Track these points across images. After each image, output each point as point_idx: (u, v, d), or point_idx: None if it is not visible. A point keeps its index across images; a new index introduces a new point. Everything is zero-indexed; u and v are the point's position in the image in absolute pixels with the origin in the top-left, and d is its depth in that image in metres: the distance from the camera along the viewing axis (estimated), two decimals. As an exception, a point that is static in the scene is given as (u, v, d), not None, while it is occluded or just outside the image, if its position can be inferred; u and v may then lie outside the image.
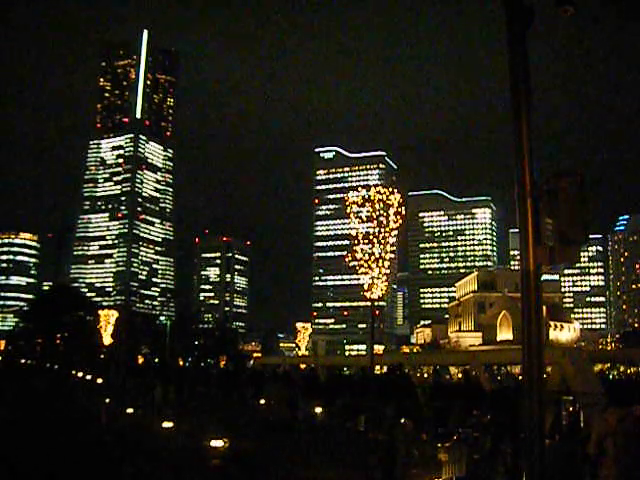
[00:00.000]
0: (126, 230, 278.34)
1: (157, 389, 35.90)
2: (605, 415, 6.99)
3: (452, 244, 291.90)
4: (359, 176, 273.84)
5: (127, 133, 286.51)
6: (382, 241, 17.27)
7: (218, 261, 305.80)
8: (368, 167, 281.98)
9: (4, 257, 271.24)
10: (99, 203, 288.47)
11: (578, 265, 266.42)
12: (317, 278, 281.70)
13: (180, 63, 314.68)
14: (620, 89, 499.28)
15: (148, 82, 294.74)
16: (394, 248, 17.86)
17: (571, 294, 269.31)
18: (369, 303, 18.06)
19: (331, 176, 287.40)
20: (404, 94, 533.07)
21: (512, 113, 5.84)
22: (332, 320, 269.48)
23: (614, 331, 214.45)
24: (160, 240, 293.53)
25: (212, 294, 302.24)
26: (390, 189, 18.08)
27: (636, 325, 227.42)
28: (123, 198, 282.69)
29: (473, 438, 17.25)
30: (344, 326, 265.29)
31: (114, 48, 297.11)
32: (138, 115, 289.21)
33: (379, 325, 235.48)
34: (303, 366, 59.53)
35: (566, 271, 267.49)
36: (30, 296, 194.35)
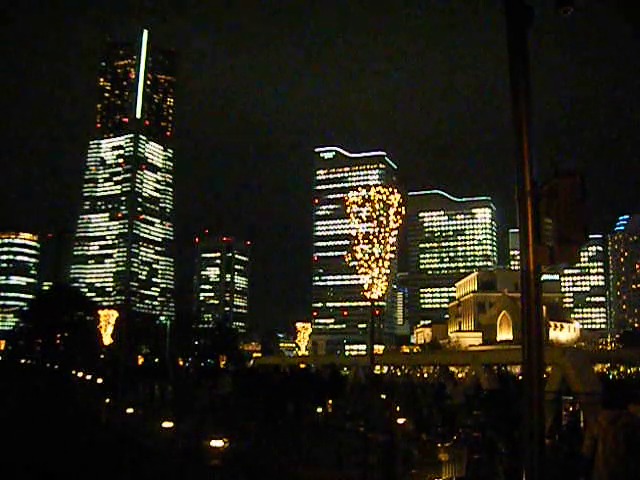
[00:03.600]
0: (126, 230, 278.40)
1: (155, 388, 36.00)
2: (598, 416, 7.00)
3: (452, 244, 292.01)
4: (359, 176, 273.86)
5: (127, 133, 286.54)
6: (382, 241, 17.24)
7: (218, 261, 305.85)
8: (368, 167, 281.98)
9: (4, 257, 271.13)
10: (99, 203, 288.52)
11: (578, 265, 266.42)
12: (317, 278, 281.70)
13: (180, 63, 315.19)
14: (620, 89, 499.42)
15: (148, 82, 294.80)
16: (394, 248, 17.82)
17: (571, 294, 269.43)
18: (369, 303, 18.03)
19: (331, 176, 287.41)
20: (404, 94, 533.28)
21: (512, 113, 5.84)
22: (332, 320, 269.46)
23: (614, 331, 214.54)
24: (160, 240, 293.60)
25: (212, 294, 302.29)
26: (390, 189, 18.05)
27: (636, 325, 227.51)
28: (123, 198, 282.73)
29: (473, 438, 17.24)
30: (344, 326, 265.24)
31: (114, 48, 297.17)
32: (138, 115, 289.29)
33: (379, 325, 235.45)
34: (303, 366, 59.59)
35: (566, 271, 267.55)
36: (30, 296, 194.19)
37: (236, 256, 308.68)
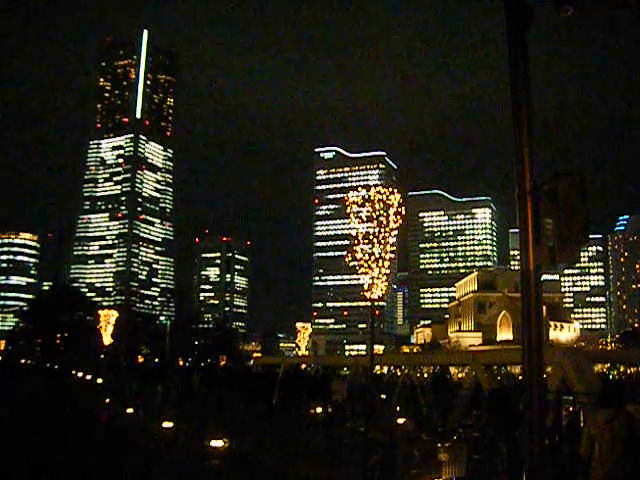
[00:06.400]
0: (126, 230, 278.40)
1: (158, 389, 36.04)
2: (595, 416, 6.99)
3: (452, 244, 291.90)
4: (359, 176, 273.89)
5: (127, 133, 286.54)
6: (382, 241, 17.22)
7: (218, 261, 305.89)
8: (368, 167, 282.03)
9: (4, 257, 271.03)
10: (99, 203, 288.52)
11: (578, 265, 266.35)
12: (317, 278, 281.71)
13: (180, 63, 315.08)
14: (620, 89, 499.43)
15: (148, 82, 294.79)
16: (394, 248, 17.80)
17: (571, 294, 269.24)
18: (369, 303, 18.00)
19: (331, 176, 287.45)
20: (404, 94, 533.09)
21: (512, 113, 5.84)
22: (332, 320, 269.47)
23: (614, 331, 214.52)
24: (160, 240, 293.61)
25: (212, 294, 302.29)
26: (390, 189, 18.03)
27: (636, 325, 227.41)
28: (123, 198, 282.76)
29: (473, 438, 17.24)
30: (344, 326, 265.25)
31: (114, 48, 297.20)
32: (138, 115, 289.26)
33: (379, 325, 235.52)
34: (303, 366, 59.58)
35: (566, 271, 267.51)
36: (30, 296, 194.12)
37: (236, 256, 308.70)
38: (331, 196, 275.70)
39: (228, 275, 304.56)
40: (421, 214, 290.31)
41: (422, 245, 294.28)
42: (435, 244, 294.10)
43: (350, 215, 17.81)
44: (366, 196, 17.61)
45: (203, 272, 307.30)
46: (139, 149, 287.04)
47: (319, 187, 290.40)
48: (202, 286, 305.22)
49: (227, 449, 15.62)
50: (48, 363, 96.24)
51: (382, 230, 17.22)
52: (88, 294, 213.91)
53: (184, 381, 38.86)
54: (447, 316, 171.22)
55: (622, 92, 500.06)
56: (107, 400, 31.36)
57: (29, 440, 21.40)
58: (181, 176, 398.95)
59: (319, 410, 25.05)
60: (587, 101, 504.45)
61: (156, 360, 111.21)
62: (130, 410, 25.76)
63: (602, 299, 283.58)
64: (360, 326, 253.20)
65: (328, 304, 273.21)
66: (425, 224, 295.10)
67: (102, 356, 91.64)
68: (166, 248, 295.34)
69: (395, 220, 17.33)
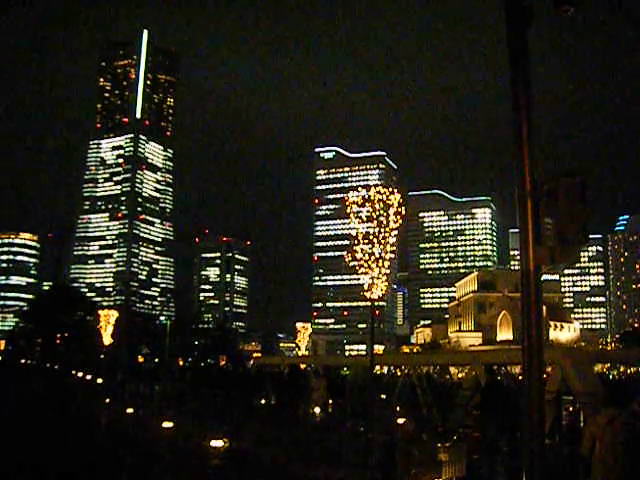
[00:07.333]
0: (126, 230, 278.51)
1: (156, 389, 36.08)
2: (596, 415, 6.99)
3: (452, 244, 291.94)
4: (359, 176, 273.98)
5: (127, 133, 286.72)
6: (382, 241, 17.17)
7: (218, 261, 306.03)
8: (368, 167, 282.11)
9: (4, 257, 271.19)
10: (99, 203, 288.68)
11: (578, 265, 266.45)
12: (317, 278, 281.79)
13: (180, 63, 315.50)
14: (620, 89, 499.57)
15: (148, 82, 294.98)
16: (394, 248, 17.74)
17: (571, 294, 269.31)
18: (369, 303, 17.96)
19: (331, 176, 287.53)
20: (404, 94, 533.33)
21: (512, 113, 5.84)
22: (332, 320, 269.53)
23: (614, 331, 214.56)
24: (160, 240, 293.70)
25: (212, 294, 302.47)
26: (390, 189, 17.97)
27: (636, 325, 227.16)
28: (123, 198, 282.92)
29: (473, 438, 17.20)
30: (344, 326, 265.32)
31: (114, 48, 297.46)
32: (138, 115, 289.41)
33: (379, 325, 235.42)
34: (303, 366, 59.53)
35: (566, 271, 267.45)
36: (30, 296, 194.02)
37: (236, 256, 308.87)
38: (331, 196, 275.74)
39: (228, 275, 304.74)
40: (421, 214, 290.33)
41: (422, 245, 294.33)
42: (435, 244, 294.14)
43: (350, 215, 17.75)
44: (366, 196, 17.55)
45: (203, 272, 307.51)
46: (139, 149, 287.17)
47: (319, 187, 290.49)
48: (202, 286, 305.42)
49: (227, 449, 15.60)
50: (48, 363, 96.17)
51: (382, 230, 17.17)
52: (88, 294, 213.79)
53: (178, 381, 38.99)
54: (447, 316, 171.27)
55: (622, 92, 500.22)
56: (107, 400, 31.37)
57: (29, 440, 21.39)
58: (181, 176, 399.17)
59: (317, 410, 25.01)
60: (587, 101, 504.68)
61: (156, 360, 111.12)
62: (130, 410, 25.77)
63: (602, 299, 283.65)
64: (360, 326, 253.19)
65: (328, 304, 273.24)
66: (425, 224, 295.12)
67: (102, 356, 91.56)
68: (166, 248, 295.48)
69: (395, 220, 17.27)
